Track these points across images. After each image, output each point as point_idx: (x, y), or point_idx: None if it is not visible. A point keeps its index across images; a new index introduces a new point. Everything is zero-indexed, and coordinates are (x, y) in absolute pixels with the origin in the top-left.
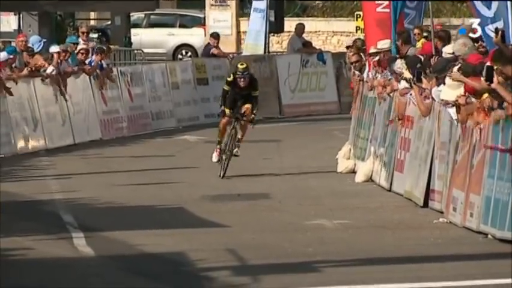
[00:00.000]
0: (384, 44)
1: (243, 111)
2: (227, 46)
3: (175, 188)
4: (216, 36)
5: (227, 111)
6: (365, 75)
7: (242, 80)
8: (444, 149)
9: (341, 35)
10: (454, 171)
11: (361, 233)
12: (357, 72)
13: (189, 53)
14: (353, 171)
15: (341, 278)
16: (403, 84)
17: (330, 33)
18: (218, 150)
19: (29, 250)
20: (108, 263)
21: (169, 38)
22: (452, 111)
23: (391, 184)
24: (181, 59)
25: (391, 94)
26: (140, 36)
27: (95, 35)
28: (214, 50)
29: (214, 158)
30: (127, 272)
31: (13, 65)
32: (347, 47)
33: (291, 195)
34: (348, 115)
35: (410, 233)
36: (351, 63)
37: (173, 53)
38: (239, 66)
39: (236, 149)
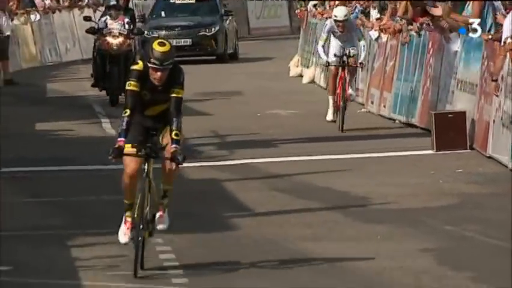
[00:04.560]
0: None
1: (164, 144)
2: None
3: None
4: None
5: (128, 148)
6: (309, 6)
7: (159, 73)
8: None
9: None
10: (372, 75)
11: (306, 119)
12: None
13: None
14: (301, 75)
15: (291, 151)
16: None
17: None
18: (128, 223)
19: (70, 131)
20: None
21: None
22: (373, 34)
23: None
24: None
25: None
26: None
27: None
28: None
29: (122, 237)
30: None
31: None
32: None
33: (256, 93)
34: (297, 35)
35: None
36: None
37: None
38: (156, 48)
39: (158, 215)
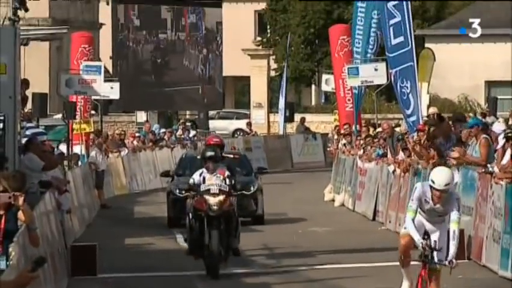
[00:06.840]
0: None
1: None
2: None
3: None
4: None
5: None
6: (339, 145)
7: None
8: (384, 187)
9: (326, 124)
10: (389, 200)
11: (338, 235)
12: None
13: (240, 133)
14: (333, 200)
15: (326, 261)
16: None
17: (319, 122)
18: None
19: (152, 244)
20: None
21: (230, 125)
22: (390, 168)
23: (354, 207)
24: (237, 136)
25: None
26: (214, 123)
27: (190, 123)
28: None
29: None
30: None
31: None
32: (334, 128)
33: (299, 213)
34: (330, 168)
35: (365, 235)
36: (341, 135)
37: (232, 134)
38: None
39: None
